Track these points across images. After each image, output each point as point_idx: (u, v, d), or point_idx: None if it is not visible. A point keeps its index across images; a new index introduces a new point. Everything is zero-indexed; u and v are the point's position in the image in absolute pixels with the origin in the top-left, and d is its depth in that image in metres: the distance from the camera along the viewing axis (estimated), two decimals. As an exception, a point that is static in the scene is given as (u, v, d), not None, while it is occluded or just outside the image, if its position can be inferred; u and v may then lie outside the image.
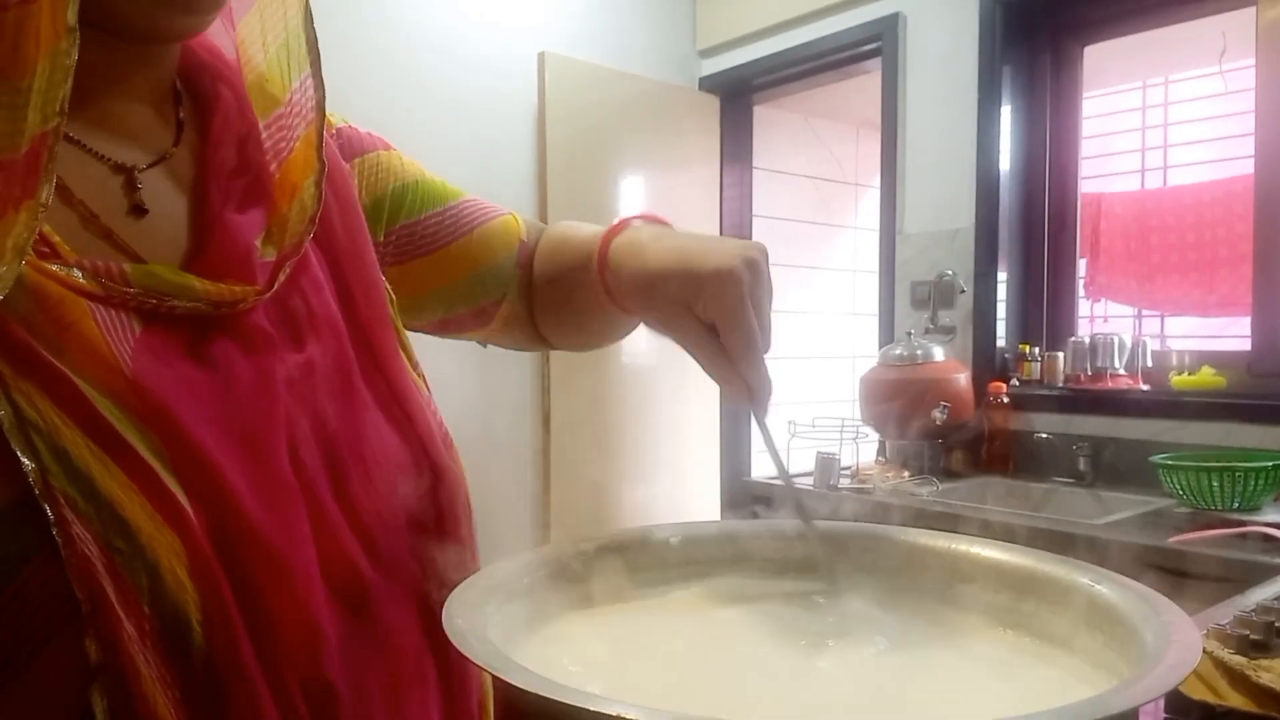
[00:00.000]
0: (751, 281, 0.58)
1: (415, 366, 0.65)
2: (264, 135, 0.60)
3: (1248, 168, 2.46)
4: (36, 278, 0.47)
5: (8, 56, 0.41)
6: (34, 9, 0.41)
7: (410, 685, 0.56)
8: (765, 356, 0.58)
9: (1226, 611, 0.97)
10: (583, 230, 0.74)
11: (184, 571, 0.46)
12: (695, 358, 0.60)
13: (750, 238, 3.53)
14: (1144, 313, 3.34)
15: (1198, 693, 0.77)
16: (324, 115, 0.62)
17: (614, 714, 0.33)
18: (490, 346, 0.83)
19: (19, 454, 0.43)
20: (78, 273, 0.49)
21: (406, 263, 0.72)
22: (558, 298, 0.76)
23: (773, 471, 2.65)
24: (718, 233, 3.42)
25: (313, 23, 0.62)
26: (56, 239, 0.49)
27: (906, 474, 2.51)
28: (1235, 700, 0.76)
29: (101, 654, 0.43)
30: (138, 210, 0.55)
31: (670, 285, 0.60)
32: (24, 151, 0.42)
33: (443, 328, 0.77)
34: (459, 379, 2.70)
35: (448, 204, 0.74)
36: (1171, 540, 1.78)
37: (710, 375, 0.59)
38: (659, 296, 0.61)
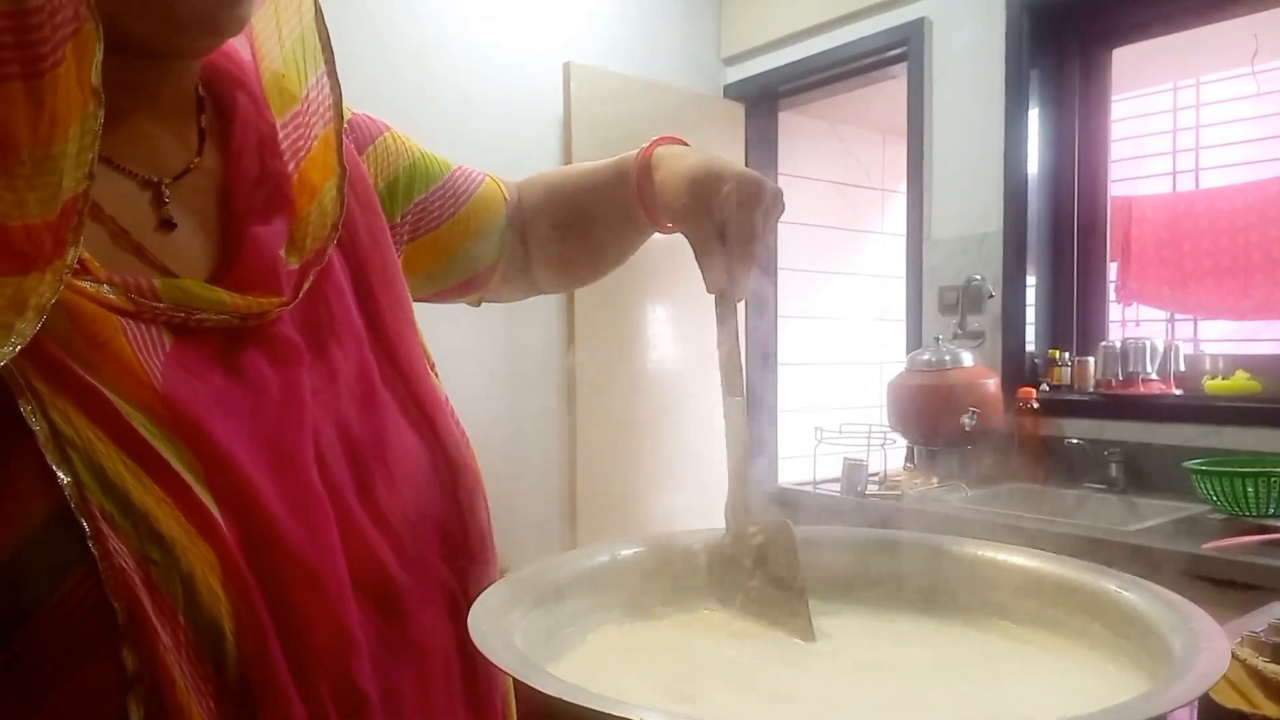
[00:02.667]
0: (765, 197, 0.65)
1: (432, 367, 0.66)
2: (281, 135, 0.61)
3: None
4: (69, 295, 0.47)
5: (46, 124, 0.41)
6: (61, 72, 0.41)
7: (438, 686, 0.57)
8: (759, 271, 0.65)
9: (1261, 619, 0.96)
10: (584, 165, 0.80)
11: (217, 582, 0.46)
12: (696, 250, 0.67)
13: (776, 242, 3.52)
14: (1176, 317, 3.30)
15: (1231, 701, 0.76)
16: (342, 117, 0.63)
17: (638, 719, 0.33)
18: (508, 317, 0.88)
19: (55, 469, 0.44)
20: (108, 289, 0.49)
21: (421, 238, 0.74)
22: (576, 224, 0.81)
23: (804, 478, 2.63)
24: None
25: (323, 18, 0.63)
26: (87, 255, 0.50)
27: (935, 480, 2.49)
28: (1270, 709, 0.75)
29: (138, 664, 0.44)
30: (166, 225, 0.56)
31: (700, 182, 0.66)
32: (57, 215, 0.42)
33: (448, 295, 0.80)
34: (486, 388, 2.71)
35: (445, 176, 0.77)
36: (1205, 547, 1.75)
37: (702, 266, 0.66)
38: (688, 193, 0.67)
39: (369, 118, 0.74)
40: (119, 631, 0.44)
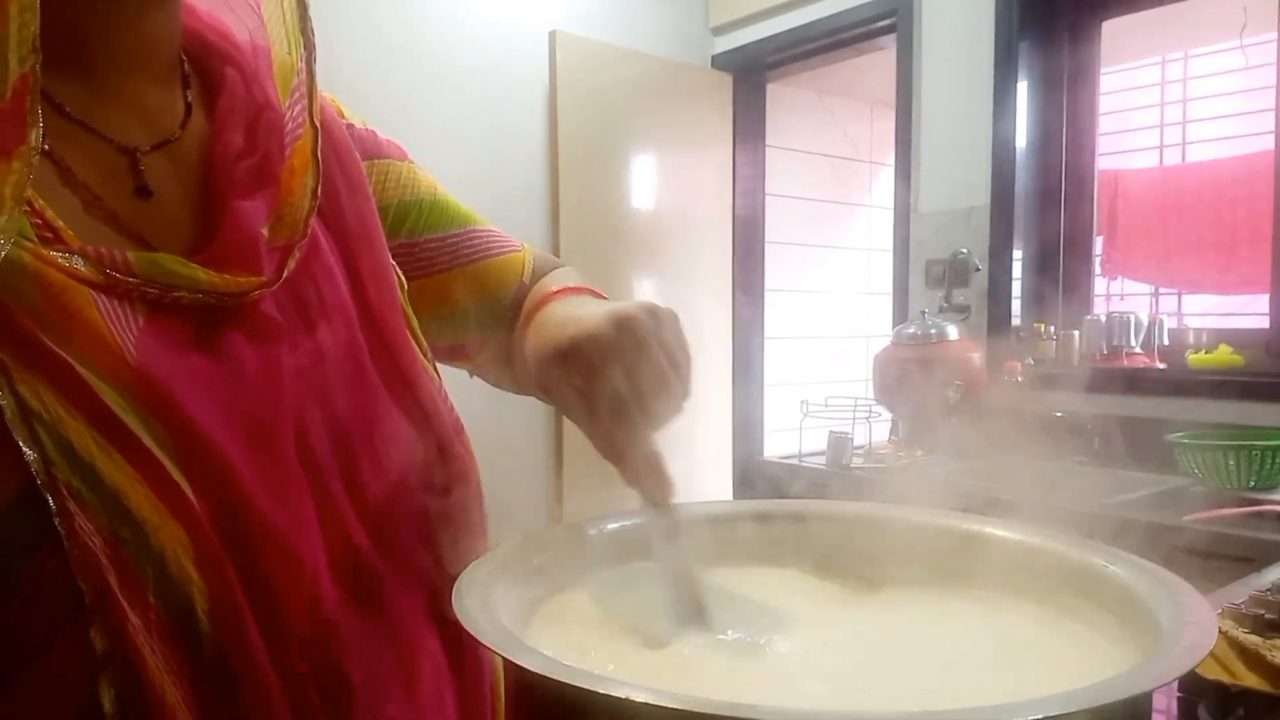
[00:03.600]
0: (619, 342, 0.52)
1: (427, 354, 0.65)
2: (287, 118, 0.60)
3: (1269, 144, 2.43)
4: (39, 265, 0.46)
5: None
6: None
7: (423, 671, 0.56)
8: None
9: (1242, 591, 0.97)
10: (534, 299, 0.69)
11: (190, 562, 0.46)
12: (590, 440, 0.55)
13: (764, 216, 3.51)
14: (1161, 291, 3.31)
15: (1212, 673, 0.77)
16: (314, 77, 0.61)
17: (623, 696, 0.33)
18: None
19: (22, 445, 0.43)
20: (80, 261, 0.48)
21: (411, 280, 0.70)
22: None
23: (789, 451, 2.65)
24: (730, 213, 3.41)
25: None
26: (60, 224, 0.49)
27: (920, 453, 2.51)
28: (1250, 680, 0.76)
29: (108, 644, 0.43)
30: (142, 193, 0.54)
31: (547, 364, 0.56)
32: (9, 98, 0.42)
33: (436, 354, 0.72)
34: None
35: (451, 230, 0.72)
36: (1187, 519, 1.77)
37: (601, 454, 0.54)
38: (541, 374, 0.58)
39: (390, 142, 0.71)
40: (87, 612, 0.43)
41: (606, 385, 0.52)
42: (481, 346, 0.75)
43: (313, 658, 0.49)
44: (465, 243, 0.73)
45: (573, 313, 0.59)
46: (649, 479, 0.53)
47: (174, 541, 0.45)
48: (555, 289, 0.66)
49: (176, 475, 0.46)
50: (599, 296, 0.67)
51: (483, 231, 0.75)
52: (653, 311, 0.55)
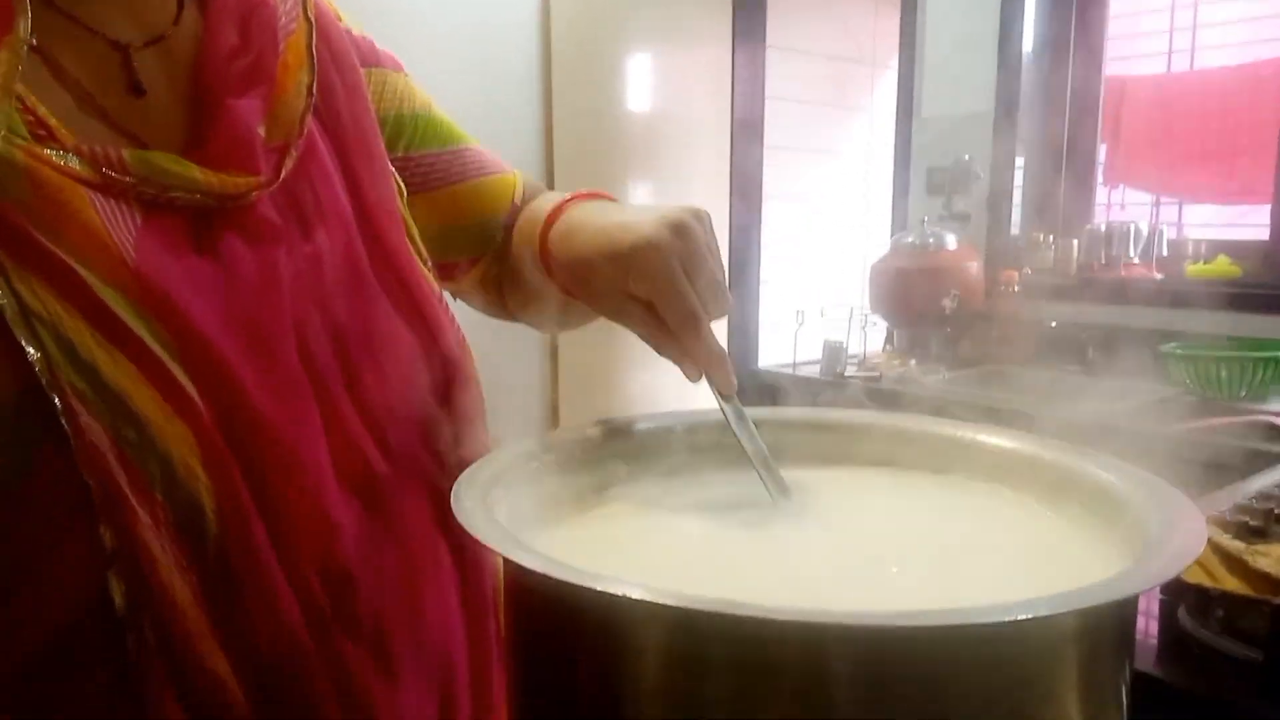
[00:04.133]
0: (681, 247, 0.53)
1: (426, 261, 0.64)
2: (280, 14, 0.58)
3: (1278, 51, 2.37)
4: (34, 164, 0.46)
5: None
6: None
7: (426, 574, 0.57)
8: (717, 323, 0.54)
9: (1227, 499, 0.98)
10: (542, 210, 0.67)
11: (196, 461, 0.46)
12: (645, 340, 0.56)
13: (763, 121, 3.44)
14: (1162, 201, 3.28)
15: (1194, 576, 0.79)
16: None
17: (619, 593, 0.34)
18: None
19: (24, 344, 0.43)
20: (74, 159, 0.47)
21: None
22: (523, 276, 0.71)
23: (784, 360, 2.66)
24: (729, 117, 3.34)
25: None
26: (54, 121, 0.48)
27: (914, 362, 2.52)
28: (1231, 584, 0.77)
29: (117, 541, 0.43)
30: (135, 90, 0.53)
31: (598, 270, 0.56)
32: None
33: None
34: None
35: (447, 147, 0.71)
36: (1177, 428, 1.79)
37: (662, 355, 0.56)
38: (591, 284, 0.57)
39: (387, 52, 0.69)
40: (95, 509, 0.43)
41: (678, 293, 0.53)
42: (469, 268, 0.74)
43: (318, 557, 0.50)
44: (458, 161, 0.72)
45: (616, 219, 0.57)
46: (716, 371, 0.55)
47: (179, 441, 0.46)
48: (566, 196, 0.65)
49: (181, 377, 0.46)
50: (613, 201, 0.66)
51: (475, 151, 0.73)
52: (699, 215, 0.56)
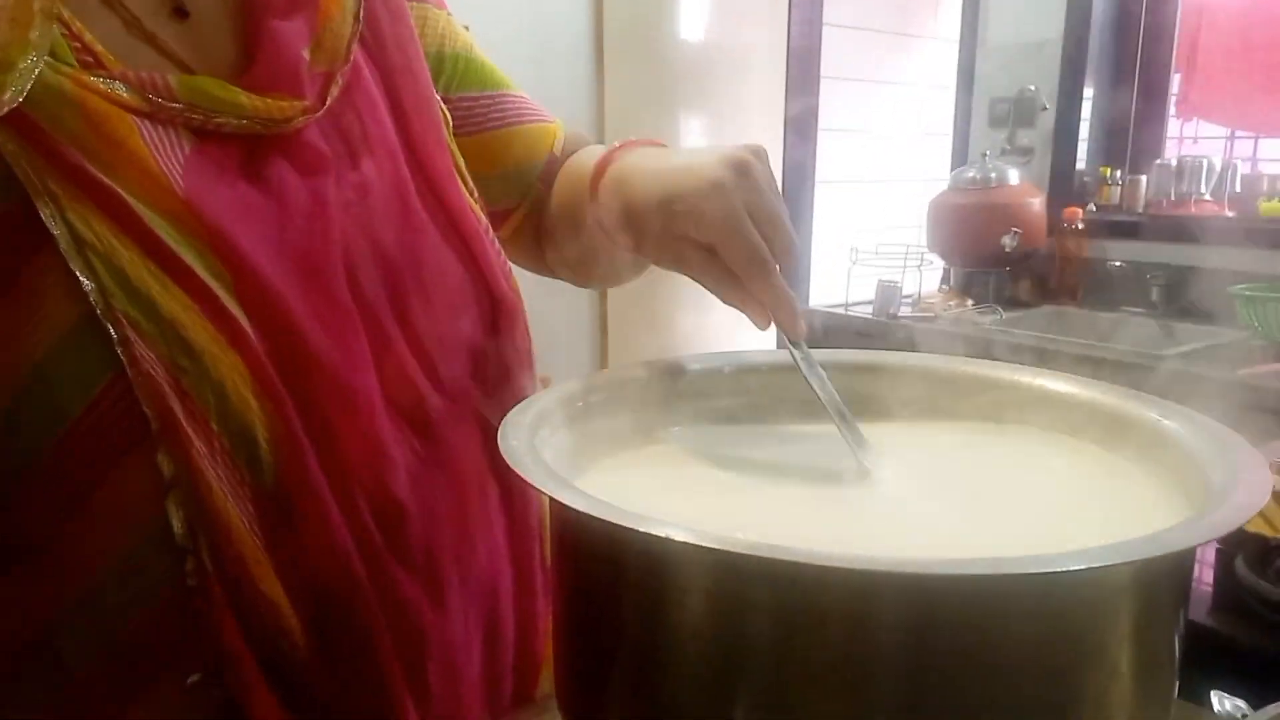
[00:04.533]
0: (743, 188, 0.51)
1: (473, 193, 0.64)
2: None
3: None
4: (81, 93, 0.46)
5: None
6: None
7: (474, 505, 0.58)
8: (783, 267, 0.52)
9: (1293, 446, 0.95)
10: (589, 160, 0.64)
11: (249, 392, 0.47)
12: (706, 287, 0.54)
13: (819, 50, 3.34)
14: (1237, 135, 3.14)
15: (1254, 526, 0.77)
16: None
17: (662, 534, 0.34)
18: None
19: (79, 274, 0.44)
20: (121, 87, 0.47)
21: None
22: (567, 230, 0.69)
23: (835, 300, 2.62)
24: (784, 45, 3.25)
25: None
26: (99, 48, 0.48)
27: (970, 303, 2.47)
28: (1293, 534, 0.75)
29: (174, 469, 0.45)
30: (179, 13, 0.53)
31: (655, 217, 0.53)
32: None
33: None
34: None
35: (486, 90, 0.69)
36: (1241, 372, 1.74)
37: (726, 302, 0.54)
38: (648, 232, 0.54)
39: None
40: (152, 437, 0.44)
41: (743, 237, 0.50)
42: (506, 217, 0.72)
43: (368, 486, 0.51)
44: (498, 105, 0.70)
45: (673, 163, 0.55)
46: (784, 316, 0.52)
47: (233, 372, 0.46)
48: (616, 145, 0.62)
49: (233, 308, 0.47)
50: (665, 146, 0.63)
51: (516, 97, 0.71)
52: (759, 154, 0.54)
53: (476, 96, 0.69)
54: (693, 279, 0.54)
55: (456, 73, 0.68)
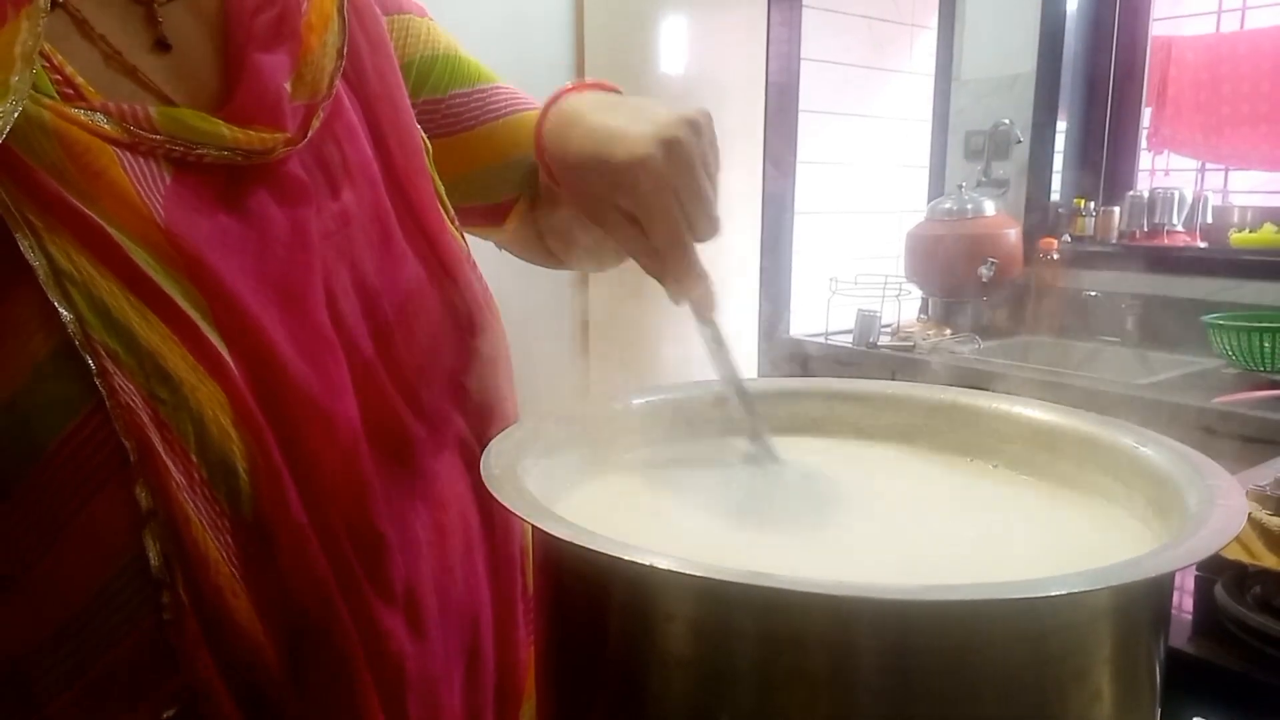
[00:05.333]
0: (672, 165, 0.51)
1: (454, 220, 0.64)
2: None
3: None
4: (62, 124, 0.46)
5: None
6: None
7: (455, 534, 0.58)
8: (705, 244, 0.52)
9: (1267, 473, 0.96)
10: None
11: (228, 421, 0.46)
12: (629, 254, 0.55)
13: (798, 83, 3.39)
14: (1208, 167, 3.19)
15: (1232, 552, 0.78)
16: None
17: (646, 563, 0.33)
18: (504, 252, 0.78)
19: (57, 305, 0.43)
20: (102, 118, 0.47)
21: (435, 139, 0.68)
22: (549, 200, 0.69)
23: (815, 330, 2.63)
24: (763, 79, 3.29)
25: None
26: (80, 80, 0.48)
27: (948, 332, 2.49)
28: (1270, 561, 0.76)
29: (152, 501, 0.44)
30: (160, 45, 0.53)
31: (586, 176, 0.54)
32: None
33: (466, 216, 0.71)
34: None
35: (476, 85, 0.70)
36: (1215, 401, 1.76)
37: (647, 273, 0.54)
38: (580, 191, 0.55)
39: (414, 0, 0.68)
40: (130, 469, 0.44)
41: (663, 214, 0.51)
42: (509, 209, 0.72)
43: (348, 516, 0.50)
44: (491, 98, 0.70)
45: (610, 124, 0.55)
46: (697, 293, 0.54)
47: (212, 402, 0.46)
48: (566, 86, 0.62)
49: (213, 337, 0.47)
50: (616, 92, 0.63)
51: (506, 89, 0.72)
52: (696, 126, 0.53)
53: (469, 92, 0.69)
54: (618, 245, 0.55)
55: (447, 71, 0.69)
